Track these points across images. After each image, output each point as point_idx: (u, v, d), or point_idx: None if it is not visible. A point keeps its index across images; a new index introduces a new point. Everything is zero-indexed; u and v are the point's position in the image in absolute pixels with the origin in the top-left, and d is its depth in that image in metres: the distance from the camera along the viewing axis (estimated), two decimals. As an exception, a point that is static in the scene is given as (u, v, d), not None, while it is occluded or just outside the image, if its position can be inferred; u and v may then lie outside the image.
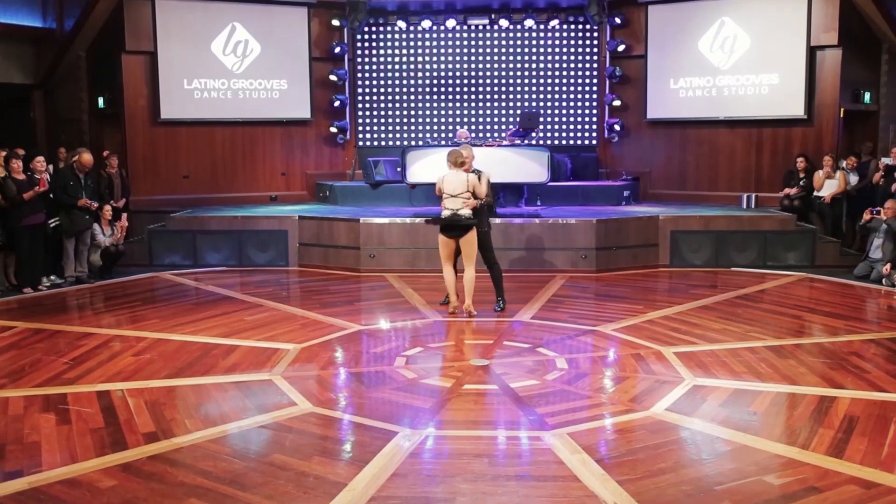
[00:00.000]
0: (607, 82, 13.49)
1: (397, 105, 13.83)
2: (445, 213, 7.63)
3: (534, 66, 13.66)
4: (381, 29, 13.71)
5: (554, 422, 4.97)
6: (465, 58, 13.71)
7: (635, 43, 13.25)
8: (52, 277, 9.61)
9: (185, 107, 12.74)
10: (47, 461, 4.38)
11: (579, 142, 13.74)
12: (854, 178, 11.30)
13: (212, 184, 13.02)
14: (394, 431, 4.81)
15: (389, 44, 13.76)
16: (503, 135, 13.02)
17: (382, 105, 13.85)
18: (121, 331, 7.38)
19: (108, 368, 6.16)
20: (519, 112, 13.16)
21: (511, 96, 13.71)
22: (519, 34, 13.61)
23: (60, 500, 3.92)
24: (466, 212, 7.56)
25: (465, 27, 13.59)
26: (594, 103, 13.68)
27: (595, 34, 13.53)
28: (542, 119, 13.13)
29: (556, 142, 13.55)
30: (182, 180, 12.86)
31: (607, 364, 6.47)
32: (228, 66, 12.92)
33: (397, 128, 13.86)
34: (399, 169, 11.25)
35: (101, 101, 13.04)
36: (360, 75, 13.81)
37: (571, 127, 13.75)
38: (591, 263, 10.27)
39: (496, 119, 13.73)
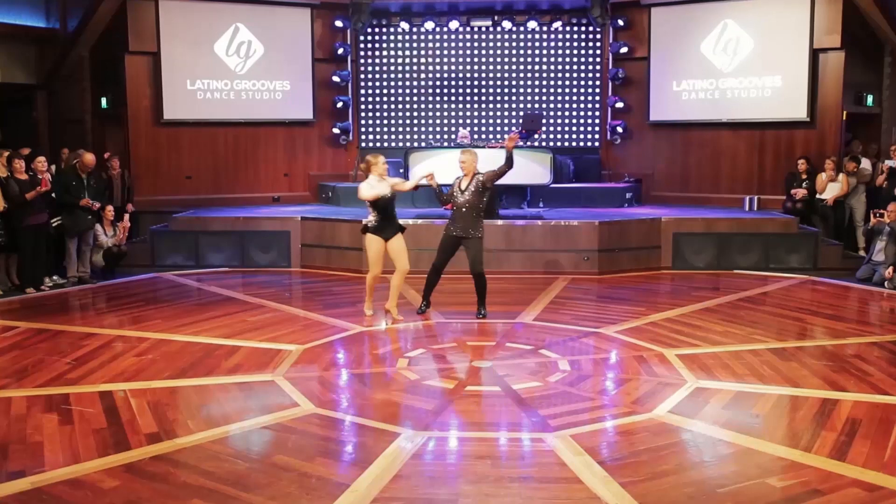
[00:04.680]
0: (610, 84, 13.50)
1: (400, 106, 13.84)
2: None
3: (536, 67, 13.67)
4: (384, 30, 13.73)
5: (556, 424, 4.97)
6: (468, 59, 13.72)
7: (638, 45, 13.26)
8: (55, 277, 9.62)
9: (188, 107, 12.76)
10: (50, 461, 4.38)
11: (582, 144, 13.74)
12: (854, 180, 11.31)
13: (214, 184, 13.03)
14: (396, 433, 4.81)
15: (392, 45, 13.78)
16: (506, 136, 13.02)
17: (385, 106, 13.86)
18: (123, 331, 7.39)
19: (110, 369, 6.16)
20: (521, 114, 13.16)
21: (514, 98, 13.71)
22: (522, 36, 13.62)
23: (63, 501, 3.92)
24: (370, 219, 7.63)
25: (468, 29, 13.59)
26: (597, 105, 13.68)
27: (598, 36, 13.54)
28: (544, 121, 13.13)
29: (559, 144, 13.56)
30: (185, 181, 12.87)
31: (610, 366, 6.47)
32: (231, 66, 12.94)
33: (400, 129, 13.87)
34: (402, 170, 11.25)
35: (104, 101, 13.07)
36: (362, 76, 13.82)
37: (574, 129, 13.75)
38: (594, 265, 10.26)
39: (499, 121, 13.73)
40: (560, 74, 13.66)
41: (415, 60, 13.76)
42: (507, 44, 13.67)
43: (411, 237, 10.32)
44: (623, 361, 6.50)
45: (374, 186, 7.51)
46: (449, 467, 4.37)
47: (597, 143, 13.72)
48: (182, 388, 5.74)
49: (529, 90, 13.71)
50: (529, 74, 13.68)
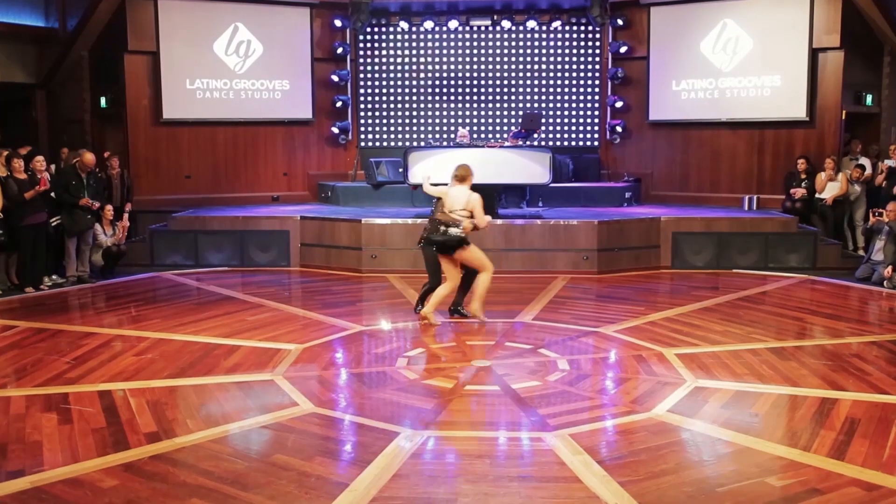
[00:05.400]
0: (609, 84, 13.49)
1: (399, 106, 13.84)
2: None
3: (536, 67, 13.66)
4: (384, 30, 13.72)
5: (555, 423, 4.97)
6: (468, 59, 13.71)
7: (637, 44, 13.25)
8: (54, 277, 9.62)
9: (187, 107, 12.74)
10: (49, 461, 4.38)
11: (581, 143, 13.73)
12: (858, 187, 11.33)
13: (214, 184, 13.02)
14: (395, 432, 4.81)
15: (392, 44, 13.77)
16: (505, 136, 13.02)
17: (384, 106, 13.85)
18: (122, 330, 7.39)
19: (109, 368, 6.16)
20: (521, 113, 13.15)
21: (513, 97, 13.71)
22: (521, 35, 13.61)
23: (62, 500, 3.92)
24: (455, 230, 7.31)
25: (468, 28, 13.59)
26: (596, 105, 13.68)
27: (597, 35, 13.53)
28: (543, 120, 13.13)
29: (558, 143, 13.55)
30: (184, 180, 12.87)
31: (609, 365, 6.47)
32: (231, 66, 12.93)
33: (399, 128, 13.86)
34: (401, 169, 11.26)
35: (103, 101, 13.06)
36: (362, 76, 13.81)
37: (573, 128, 13.75)
38: (593, 265, 10.27)
39: (498, 120, 13.73)
40: (559, 74, 13.66)
41: (414, 60, 13.75)
42: (506, 43, 13.66)
43: (410, 237, 10.39)
44: (622, 361, 6.50)
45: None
46: (448, 467, 4.37)
47: (596, 143, 13.72)
48: (181, 387, 5.74)
49: (529, 89, 13.70)
50: (529, 74, 13.67)
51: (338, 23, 13.23)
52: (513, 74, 13.68)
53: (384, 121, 13.83)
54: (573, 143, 13.71)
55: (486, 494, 3.99)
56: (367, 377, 6.17)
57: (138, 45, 12.43)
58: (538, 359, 6.48)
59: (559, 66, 13.65)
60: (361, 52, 13.78)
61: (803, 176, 11.56)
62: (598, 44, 13.56)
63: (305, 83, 13.33)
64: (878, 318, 8.32)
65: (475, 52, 13.69)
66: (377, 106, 13.85)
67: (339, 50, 13.33)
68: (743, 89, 12.54)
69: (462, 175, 7.51)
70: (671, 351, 6.62)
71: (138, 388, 5.65)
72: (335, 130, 13.55)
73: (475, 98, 13.73)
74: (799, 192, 11.50)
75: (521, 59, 13.66)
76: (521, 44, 13.65)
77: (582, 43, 13.61)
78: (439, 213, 7.45)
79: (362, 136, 13.83)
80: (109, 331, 7.36)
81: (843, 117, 12.07)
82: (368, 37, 13.74)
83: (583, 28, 13.53)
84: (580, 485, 4.10)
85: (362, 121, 13.85)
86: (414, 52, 13.73)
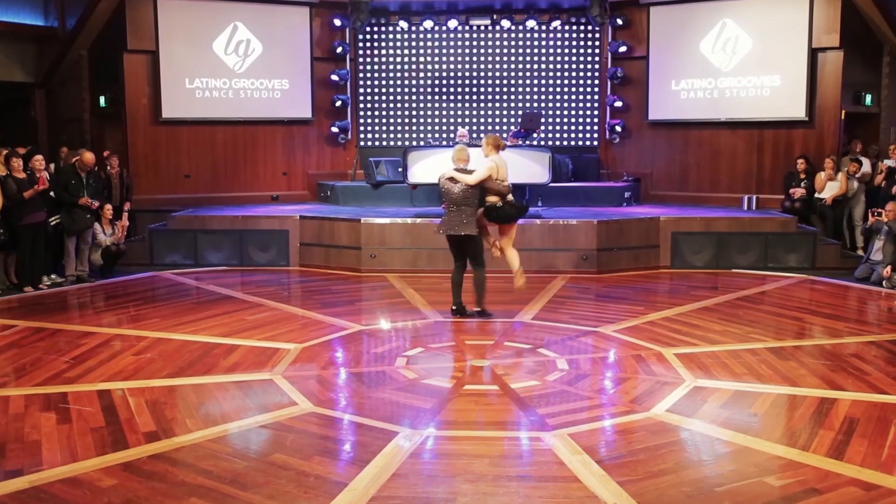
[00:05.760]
0: (609, 83, 13.49)
1: (399, 105, 13.84)
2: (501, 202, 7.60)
3: (535, 66, 13.66)
4: (383, 29, 13.72)
5: (555, 422, 4.97)
6: (467, 58, 13.71)
7: (637, 44, 13.26)
8: (53, 276, 9.61)
9: (186, 106, 12.74)
10: (48, 460, 4.38)
11: (581, 143, 13.73)
12: (856, 184, 11.33)
13: (213, 183, 13.02)
14: (394, 431, 4.81)
15: (391, 44, 13.77)
16: (504, 135, 13.01)
17: (384, 105, 13.85)
18: (121, 330, 7.38)
19: (108, 367, 6.16)
20: (520, 113, 13.15)
21: (512, 97, 13.70)
22: (521, 35, 13.61)
23: (61, 499, 3.92)
24: (512, 197, 7.72)
25: (467, 28, 13.59)
26: (595, 104, 13.68)
27: (597, 35, 13.53)
28: (543, 120, 13.13)
29: (558, 143, 13.55)
30: (183, 179, 12.87)
31: (608, 365, 6.47)
32: (230, 65, 12.93)
33: (399, 128, 13.86)
34: (400, 169, 11.26)
35: (102, 100, 13.05)
36: (361, 75, 13.81)
37: (573, 128, 13.75)
38: (592, 264, 10.27)
39: (497, 120, 13.72)
40: (559, 73, 13.65)
41: (414, 59, 13.75)
42: (506, 43, 13.66)
43: (410, 236, 10.40)
44: (621, 360, 6.50)
45: None
46: (447, 466, 4.37)
47: (595, 143, 13.72)
48: (180, 386, 5.74)
49: (528, 89, 13.69)
50: (528, 73, 13.67)
51: (337, 22, 13.23)
52: (512, 74, 13.68)
53: (384, 120, 13.83)
54: (573, 143, 13.71)
55: (485, 494, 3.99)
56: (367, 377, 6.17)
57: (138, 45, 12.43)
58: (537, 358, 6.48)
59: (559, 66, 13.65)
60: (361, 52, 13.77)
61: (802, 176, 11.57)
62: (597, 43, 13.57)
63: (305, 82, 13.33)
64: (876, 318, 8.32)
65: (475, 51, 13.68)
66: (377, 105, 13.85)
67: (339, 49, 13.32)
68: (742, 89, 12.54)
69: (503, 144, 7.77)
70: (670, 351, 6.62)
71: (137, 388, 5.65)
72: (335, 130, 13.55)
73: (475, 98, 13.73)
74: (798, 192, 11.50)
75: (520, 58, 13.66)
76: (520, 43, 13.65)
77: (581, 43, 13.61)
78: (495, 186, 7.51)
79: (362, 136, 13.83)
80: (108, 330, 7.36)
81: (843, 117, 12.08)
82: (368, 36, 13.73)
83: (582, 28, 13.54)
84: (579, 484, 4.10)
85: (362, 120, 13.84)
86: (413, 51, 13.73)
